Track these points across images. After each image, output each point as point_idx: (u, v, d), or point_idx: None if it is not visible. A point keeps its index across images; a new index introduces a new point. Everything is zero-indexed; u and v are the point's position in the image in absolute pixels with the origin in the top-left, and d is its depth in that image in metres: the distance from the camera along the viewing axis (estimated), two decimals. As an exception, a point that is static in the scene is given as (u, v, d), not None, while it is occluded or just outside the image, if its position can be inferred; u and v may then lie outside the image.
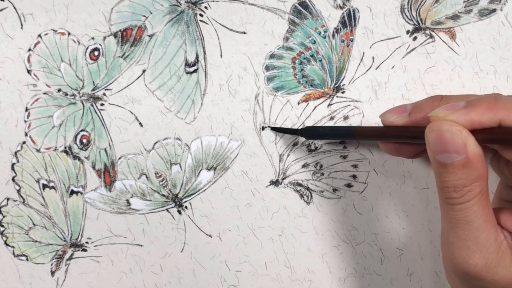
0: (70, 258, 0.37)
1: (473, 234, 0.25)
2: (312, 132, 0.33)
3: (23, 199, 0.36)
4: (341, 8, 0.34)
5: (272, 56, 0.34)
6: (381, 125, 0.31)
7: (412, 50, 0.34)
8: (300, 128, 0.33)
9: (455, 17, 0.33)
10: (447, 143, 0.25)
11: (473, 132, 0.25)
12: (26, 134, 0.36)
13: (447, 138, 0.25)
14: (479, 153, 0.25)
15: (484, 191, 0.25)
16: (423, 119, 0.28)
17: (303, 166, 0.35)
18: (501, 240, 0.26)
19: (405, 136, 0.29)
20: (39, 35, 0.35)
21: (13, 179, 0.36)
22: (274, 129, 0.35)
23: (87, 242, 0.36)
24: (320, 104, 0.34)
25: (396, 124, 0.29)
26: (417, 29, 0.33)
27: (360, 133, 0.31)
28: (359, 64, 0.34)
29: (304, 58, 0.34)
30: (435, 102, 0.28)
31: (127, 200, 0.36)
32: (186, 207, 0.36)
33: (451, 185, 0.25)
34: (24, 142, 0.36)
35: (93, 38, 0.35)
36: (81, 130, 0.35)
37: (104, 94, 0.35)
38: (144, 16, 0.34)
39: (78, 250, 0.37)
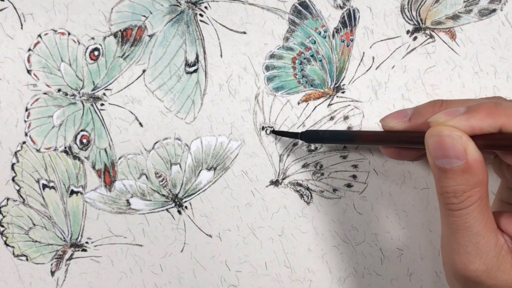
0: (70, 258, 0.37)
1: (473, 240, 0.25)
2: (312, 136, 0.33)
3: (23, 199, 0.36)
4: (341, 8, 0.34)
5: (272, 56, 0.34)
6: (380, 126, 0.31)
7: (412, 50, 0.34)
8: (300, 132, 0.33)
9: (455, 17, 0.33)
10: (447, 149, 0.25)
11: (473, 138, 0.25)
12: (26, 134, 0.36)
13: (447, 143, 0.25)
14: (479, 159, 0.25)
15: (483, 196, 0.25)
16: (424, 124, 0.27)
17: (303, 166, 0.35)
18: (501, 244, 0.26)
19: (405, 141, 0.29)
20: (39, 35, 0.35)
21: (13, 179, 0.36)
22: (274, 132, 0.34)
23: (87, 242, 0.36)
24: (320, 104, 0.34)
25: (397, 129, 0.29)
26: (417, 29, 0.33)
27: (360, 138, 0.31)
28: (359, 64, 0.34)
29: (304, 58, 0.34)
30: (435, 107, 0.28)
31: (127, 200, 0.36)
32: (186, 207, 0.36)
33: (450, 190, 0.25)
34: (24, 142, 0.36)
35: (93, 38, 0.35)
36: (81, 130, 0.35)
37: (104, 94, 0.35)
38: (144, 16, 0.34)
39: (78, 250, 0.37)
